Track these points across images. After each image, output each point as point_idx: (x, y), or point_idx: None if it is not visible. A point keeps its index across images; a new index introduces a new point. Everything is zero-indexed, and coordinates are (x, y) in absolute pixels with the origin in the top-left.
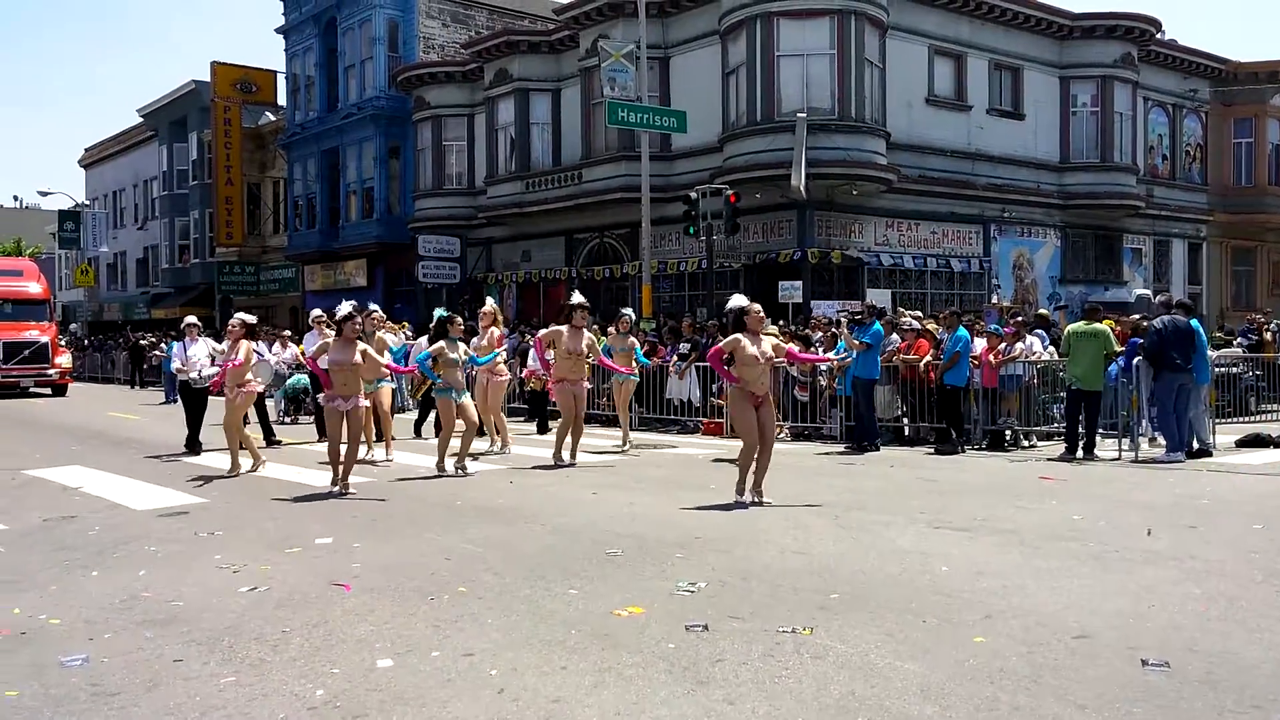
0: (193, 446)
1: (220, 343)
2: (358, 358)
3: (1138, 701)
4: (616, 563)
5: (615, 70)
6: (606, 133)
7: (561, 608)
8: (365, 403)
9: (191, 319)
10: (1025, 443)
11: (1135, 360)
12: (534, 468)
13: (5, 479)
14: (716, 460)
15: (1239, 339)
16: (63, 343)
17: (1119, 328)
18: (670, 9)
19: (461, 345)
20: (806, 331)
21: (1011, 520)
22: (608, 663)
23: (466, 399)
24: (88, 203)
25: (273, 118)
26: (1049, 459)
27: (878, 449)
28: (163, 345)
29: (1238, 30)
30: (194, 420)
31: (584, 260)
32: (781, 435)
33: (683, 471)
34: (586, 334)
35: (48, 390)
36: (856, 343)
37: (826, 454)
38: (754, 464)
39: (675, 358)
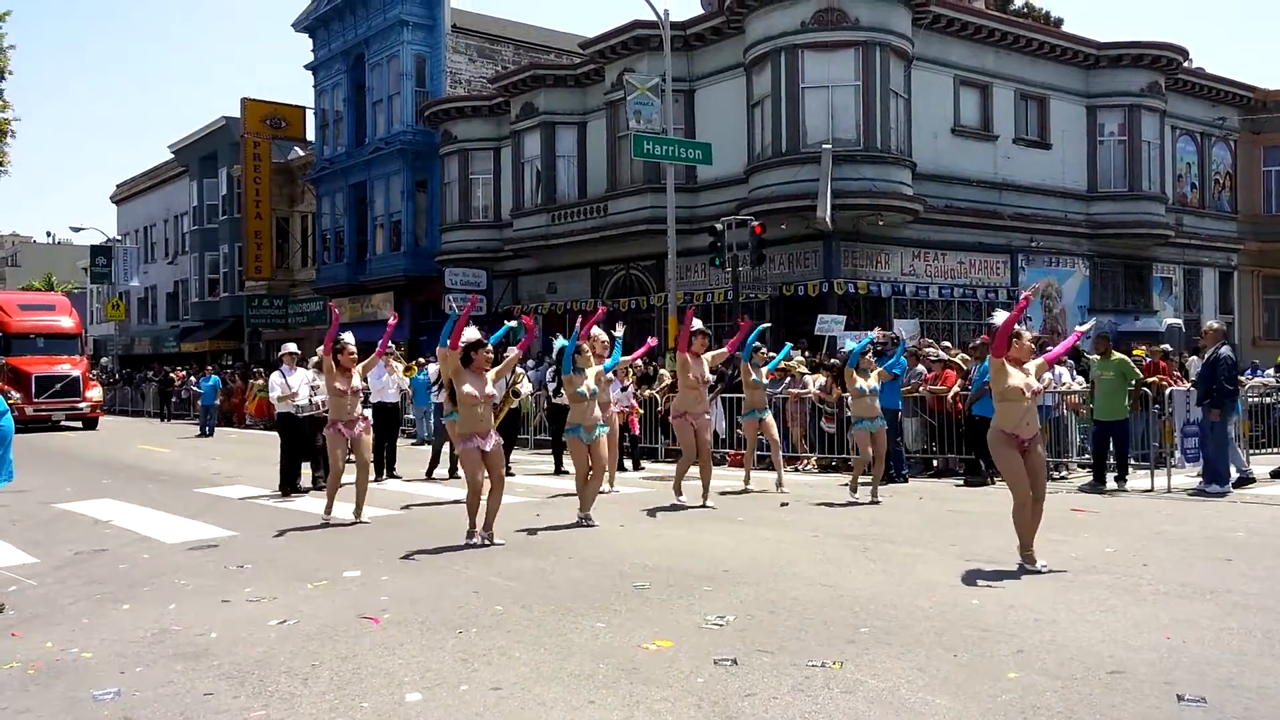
0: (289, 487)
1: (311, 371)
2: (490, 389)
3: None
4: (645, 596)
5: (640, 103)
6: (632, 165)
7: (590, 641)
8: (496, 439)
9: (291, 346)
10: (1056, 474)
11: (1170, 391)
12: (653, 509)
13: (37, 512)
14: (744, 490)
15: None
16: (93, 376)
17: (1149, 358)
18: (695, 42)
19: (591, 376)
20: (834, 361)
21: (1044, 553)
22: (636, 697)
23: (602, 441)
24: (119, 238)
25: (301, 153)
26: (1080, 490)
27: (905, 480)
28: (191, 379)
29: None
30: (294, 456)
31: (610, 292)
32: (808, 467)
33: (710, 503)
34: (706, 360)
35: (79, 424)
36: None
37: (848, 484)
38: (1033, 522)
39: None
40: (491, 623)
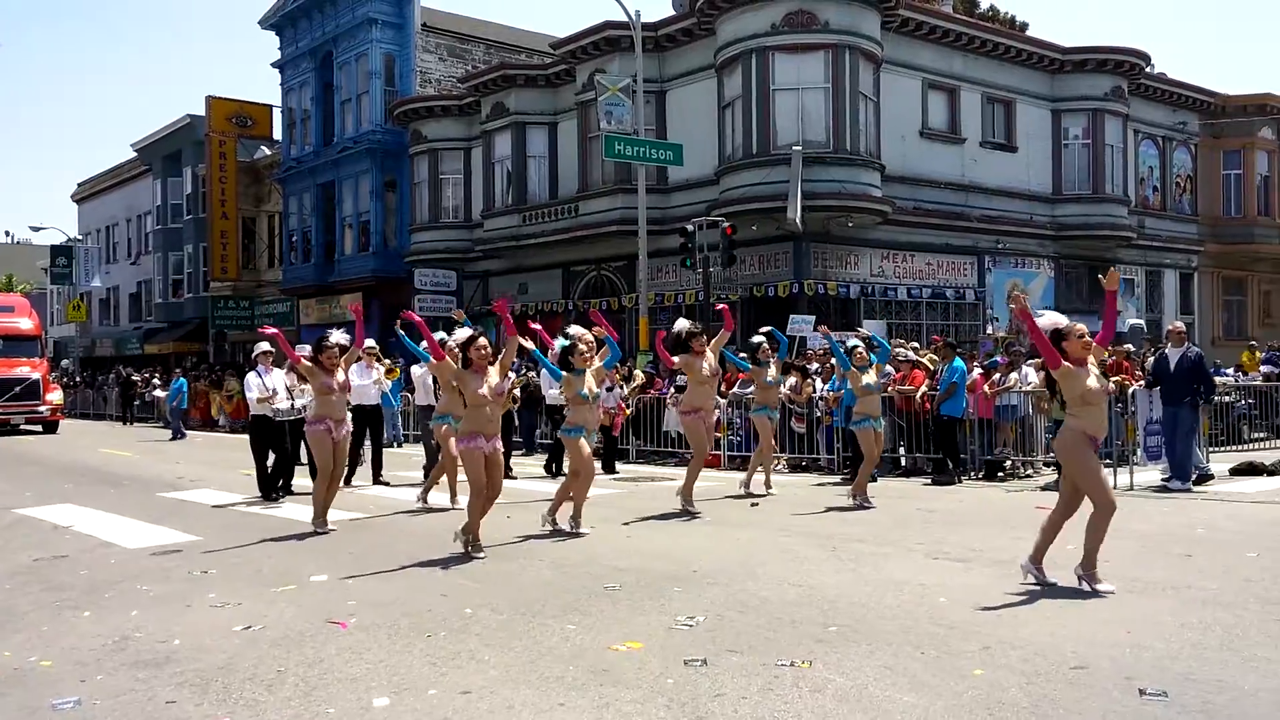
0: (269, 491)
1: (286, 371)
2: (498, 382)
3: None
4: (615, 597)
5: (612, 104)
6: (603, 165)
7: (560, 643)
8: (498, 446)
9: (265, 345)
10: (1022, 472)
11: (1132, 389)
12: (625, 510)
13: None
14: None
15: (1265, 365)
16: (54, 379)
17: (1111, 358)
18: (666, 43)
19: (590, 377)
20: (802, 363)
21: (1009, 550)
22: (606, 699)
23: (591, 445)
24: (80, 238)
25: (268, 152)
26: (1045, 488)
27: (874, 479)
28: (154, 381)
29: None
30: (266, 459)
31: (581, 293)
32: (778, 467)
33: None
34: (710, 355)
35: (39, 427)
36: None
37: (822, 485)
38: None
39: (672, 390)
40: (460, 626)
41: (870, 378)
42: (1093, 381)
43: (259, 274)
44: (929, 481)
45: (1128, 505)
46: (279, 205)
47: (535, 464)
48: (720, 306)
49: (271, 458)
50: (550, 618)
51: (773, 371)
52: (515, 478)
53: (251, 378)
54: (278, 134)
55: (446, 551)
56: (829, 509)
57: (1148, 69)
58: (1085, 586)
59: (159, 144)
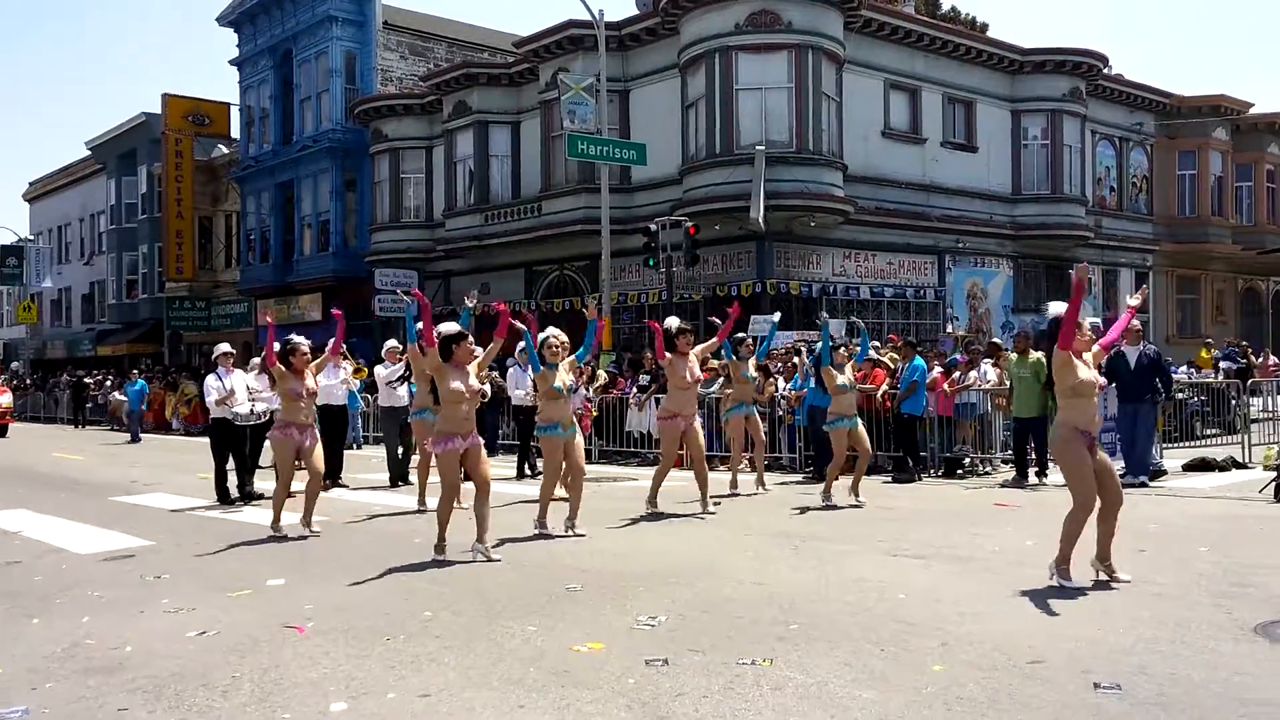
0: (227, 495)
1: (253, 375)
2: (475, 382)
3: None
4: (576, 598)
5: (575, 103)
6: (566, 165)
7: (520, 645)
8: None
9: (225, 347)
10: (981, 470)
11: None
12: (588, 510)
13: None
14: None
15: (1224, 362)
16: (3, 381)
17: None
18: (630, 43)
19: (563, 371)
20: (765, 362)
21: (967, 547)
22: (567, 700)
23: (577, 441)
24: (31, 237)
25: (225, 150)
26: (1003, 485)
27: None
28: (106, 384)
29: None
30: (225, 463)
31: (544, 293)
32: (740, 466)
33: (642, 504)
34: (693, 359)
35: None
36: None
37: (784, 484)
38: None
39: (635, 389)
40: (420, 629)
41: (845, 377)
42: (1085, 373)
43: (216, 274)
44: (889, 479)
45: None
46: (236, 205)
47: (500, 465)
48: (730, 310)
49: (232, 462)
50: (511, 619)
51: (751, 368)
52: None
53: (211, 380)
54: (235, 132)
55: (406, 554)
56: (807, 509)
57: (1105, 70)
58: (1055, 581)
59: (113, 142)
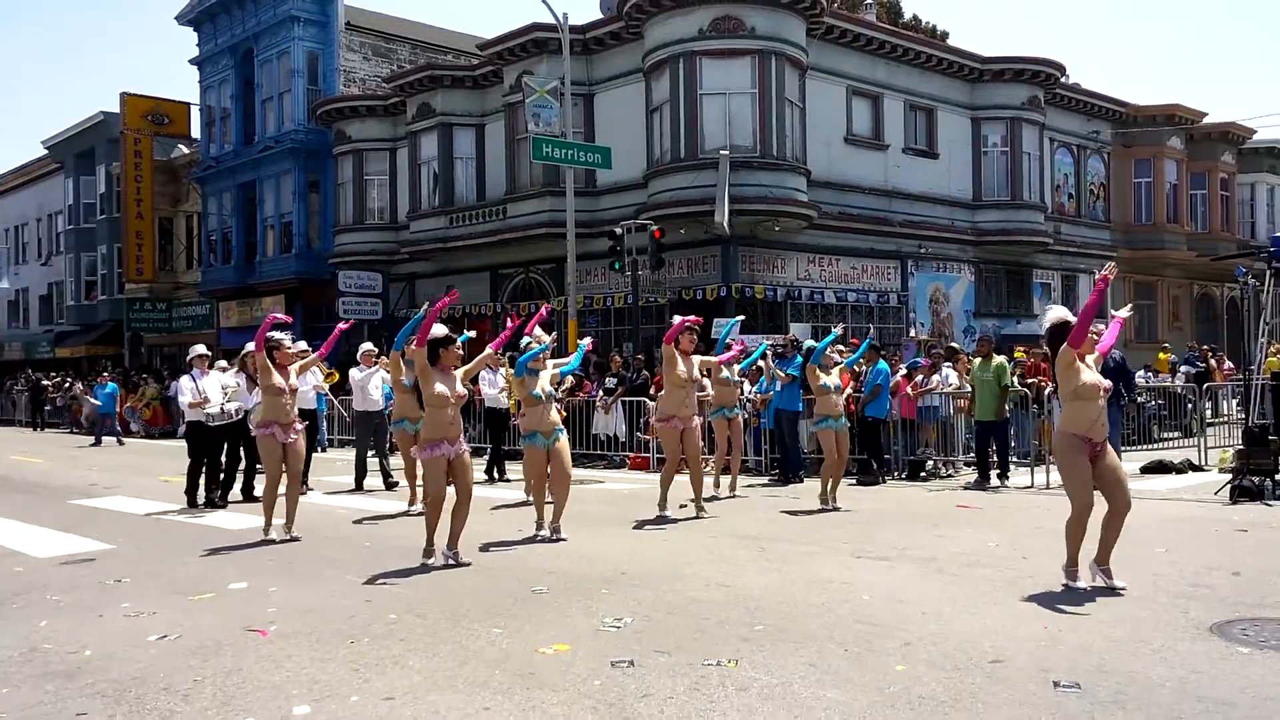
0: (196, 499)
1: (228, 374)
2: (460, 387)
3: None
4: (542, 600)
5: (539, 106)
6: (531, 168)
7: (485, 647)
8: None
9: (201, 349)
10: (944, 472)
11: (1049, 390)
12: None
13: None
14: (712, 497)
15: (1184, 366)
16: None
17: (1030, 359)
18: (595, 46)
19: (545, 377)
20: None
21: (931, 549)
22: (532, 702)
23: (563, 444)
24: None
25: (186, 150)
26: (965, 487)
27: (801, 480)
28: (67, 385)
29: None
30: (199, 465)
31: (509, 295)
32: (707, 470)
33: (609, 507)
34: (697, 359)
35: None
36: (782, 375)
37: (751, 486)
38: (1085, 535)
39: (601, 393)
40: (384, 632)
41: (831, 378)
42: (1089, 376)
43: (177, 275)
44: (854, 481)
45: (1046, 504)
46: (197, 205)
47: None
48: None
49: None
50: (476, 622)
51: (733, 372)
52: (510, 480)
53: (184, 381)
54: (196, 132)
55: (370, 558)
56: (795, 511)
57: (1062, 79)
58: (1064, 583)
59: (71, 141)
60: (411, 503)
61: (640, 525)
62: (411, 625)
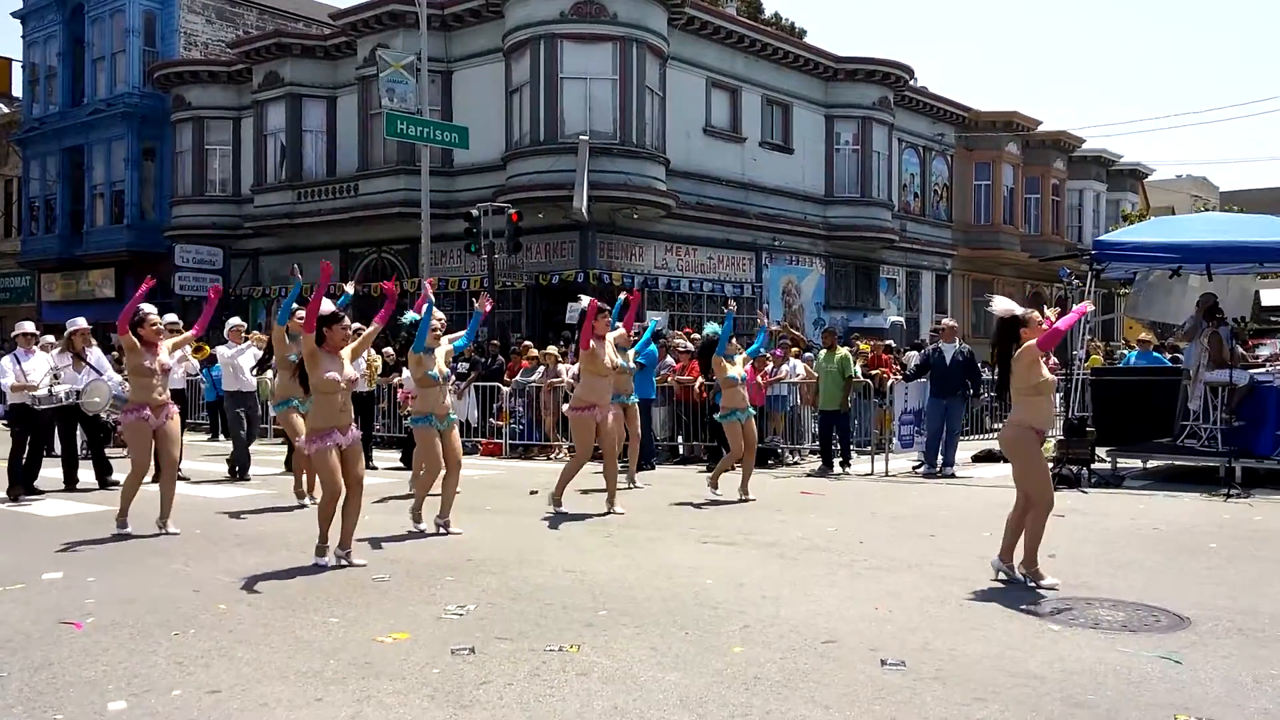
0: (19, 488)
1: (55, 353)
2: (351, 370)
3: (877, 700)
4: (383, 589)
5: (394, 81)
6: (385, 145)
7: (321, 636)
8: (357, 433)
9: (28, 325)
10: (790, 460)
11: (891, 382)
12: (391, 498)
13: None
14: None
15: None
16: None
17: (873, 352)
18: (453, 23)
19: (441, 356)
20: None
21: (774, 533)
22: (367, 691)
23: (454, 430)
24: None
25: (6, 110)
26: (809, 475)
27: (653, 468)
28: None
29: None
30: (23, 452)
31: (361, 276)
32: (560, 455)
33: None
34: (610, 344)
35: None
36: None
37: (596, 473)
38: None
39: (454, 377)
40: (212, 622)
41: (737, 369)
42: (1047, 373)
43: None
44: (705, 469)
45: (885, 491)
46: (18, 169)
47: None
48: (630, 296)
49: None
50: (312, 611)
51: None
52: (376, 468)
53: (6, 361)
54: (18, 90)
55: (203, 546)
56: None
57: (911, 82)
58: (1031, 584)
59: None
60: (310, 491)
61: (544, 519)
62: (242, 615)
